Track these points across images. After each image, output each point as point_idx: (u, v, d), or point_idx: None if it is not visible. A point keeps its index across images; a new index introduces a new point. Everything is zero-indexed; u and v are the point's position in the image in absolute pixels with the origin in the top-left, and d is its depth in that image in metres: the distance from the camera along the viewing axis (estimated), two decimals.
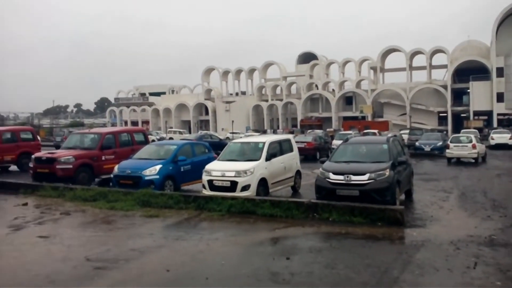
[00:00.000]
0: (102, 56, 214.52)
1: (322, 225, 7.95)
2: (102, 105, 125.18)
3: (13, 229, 7.99)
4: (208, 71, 73.17)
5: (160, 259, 6.07)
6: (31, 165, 13.33)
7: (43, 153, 13.96)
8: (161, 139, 35.20)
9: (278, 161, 11.15)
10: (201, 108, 73.47)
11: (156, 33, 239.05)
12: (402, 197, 10.10)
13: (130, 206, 9.66)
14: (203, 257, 6.17)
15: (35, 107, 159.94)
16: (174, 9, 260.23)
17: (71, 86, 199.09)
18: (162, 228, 8.03)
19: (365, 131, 36.55)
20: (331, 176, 9.01)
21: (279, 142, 11.74)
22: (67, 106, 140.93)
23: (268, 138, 11.57)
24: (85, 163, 13.07)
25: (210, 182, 10.24)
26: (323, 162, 10.19)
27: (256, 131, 54.65)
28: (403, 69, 60.36)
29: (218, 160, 11.20)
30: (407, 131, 36.81)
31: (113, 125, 71.52)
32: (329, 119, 61.07)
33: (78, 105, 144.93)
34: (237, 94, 73.43)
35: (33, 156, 13.58)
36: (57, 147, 25.58)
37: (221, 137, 38.13)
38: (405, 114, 57.39)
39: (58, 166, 12.55)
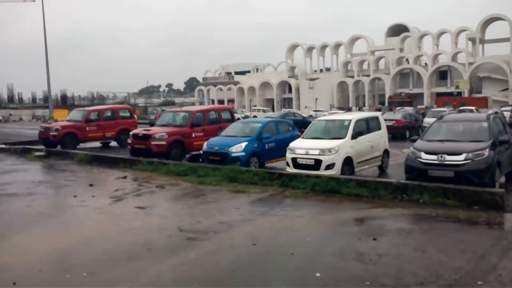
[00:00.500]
0: (191, 37, 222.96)
1: (412, 207, 7.60)
2: (191, 84, 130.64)
3: (114, 199, 8.76)
4: (292, 48, 72.58)
5: (247, 233, 6.27)
6: (129, 141, 14.41)
7: (139, 130, 15.01)
8: (246, 117, 35.96)
9: (365, 139, 10.81)
10: (285, 86, 73.44)
11: (242, 12, 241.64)
12: (503, 179, 9.27)
13: (218, 181, 10.04)
14: (288, 233, 6.26)
15: (132, 87, 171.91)
16: None
17: (163, 67, 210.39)
18: (248, 203, 8.27)
19: (461, 108, 33.86)
20: (423, 155, 8.53)
21: (366, 120, 11.35)
22: (159, 86, 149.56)
23: (354, 116, 11.25)
24: (177, 139, 13.81)
25: (294, 160, 10.26)
26: (414, 141, 9.69)
27: (340, 108, 53.40)
28: (506, 40, 54.56)
29: (302, 138, 11.16)
30: (510, 108, 33.45)
31: (201, 103, 74.46)
32: (420, 96, 57.59)
33: (169, 85, 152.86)
34: (321, 70, 72.09)
35: (131, 133, 14.66)
36: (151, 124, 27.31)
37: (305, 115, 37.91)
38: (507, 89, 52.09)
39: (153, 142, 13.42)
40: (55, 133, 17.46)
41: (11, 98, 76.66)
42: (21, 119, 57.16)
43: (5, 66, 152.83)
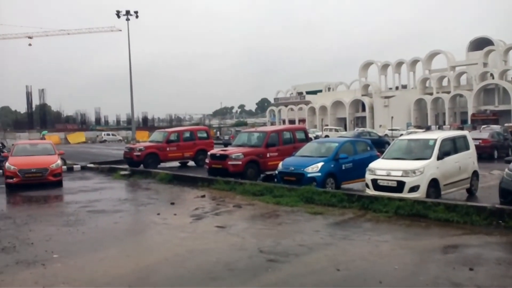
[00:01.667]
0: (264, 60, 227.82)
1: (510, 235, 6.91)
2: (263, 105, 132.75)
3: (195, 218, 8.95)
4: (366, 65, 71.17)
5: (329, 257, 6.05)
6: (207, 161, 14.82)
7: (217, 151, 15.38)
8: (317, 137, 35.56)
9: (452, 160, 10.12)
10: (358, 105, 71.91)
11: (314, 34, 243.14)
12: None
13: (294, 202, 9.92)
14: (373, 259, 5.94)
15: (206, 109, 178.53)
16: (334, 9, 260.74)
17: (236, 89, 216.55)
18: (327, 225, 8.03)
19: None
20: None
21: (453, 139, 10.65)
22: (232, 107, 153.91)
23: (440, 135, 10.59)
24: (252, 159, 13.94)
25: (374, 181, 9.86)
26: (509, 161, 8.90)
27: (418, 127, 51.02)
28: None
29: (383, 158, 10.71)
30: None
31: (272, 124, 75.14)
32: (507, 113, 53.30)
33: (241, 106, 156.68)
34: (397, 88, 69.74)
35: (208, 153, 15.07)
36: (225, 144, 27.99)
37: (380, 134, 36.66)
38: None
39: (229, 162, 13.67)
40: (139, 153, 18.47)
41: (98, 121, 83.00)
42: (106, 140, 61.42)
43: (94, 92, 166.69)
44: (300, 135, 15.89)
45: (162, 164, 19.21)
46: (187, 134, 20.39)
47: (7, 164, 13.85)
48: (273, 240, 7.01)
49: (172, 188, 13.27)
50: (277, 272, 5.51)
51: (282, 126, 25.63)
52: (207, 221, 8.65)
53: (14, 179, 13.42)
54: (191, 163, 20.25)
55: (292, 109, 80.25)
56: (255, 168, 14.04)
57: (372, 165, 10.21)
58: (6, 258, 6.30)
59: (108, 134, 60.60)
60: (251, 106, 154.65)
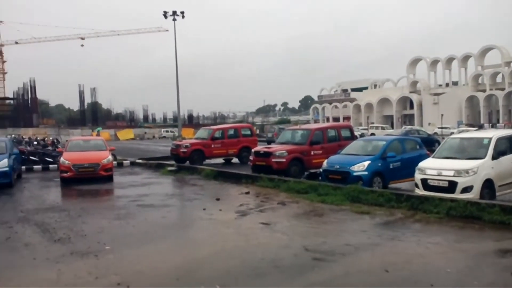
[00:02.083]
0: (309, 58, 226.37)
1: None
2: (306, 102, 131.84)
3: (240, 214, 9.02)
4: (414, 62, 68.95)
5: (377, 258, 5.90)
6: (251, 158, 14.90)
7: (261, 148, 15.43)
8: (362, 135, 34.85)
9: (508, 160, 9.59)
10: (405, 102, 69.79)
11: (361, 31, 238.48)
12: None
13: (340, 200, 9.77)
14: (423, 261, 5.73)
15: (250, 106, 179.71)
16: (381, 4, 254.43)
17: (280, 87, 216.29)
18: (374, 225, 7.84)
19: None
20: None
21: (509, 138, 10.08)
22: (275, 105, 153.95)
23: (495, 133, 10.07)
24: (297, 157, 13.88)
25: (424, 181, 9.53)
26: None
27: (470, 125, 48.82)
28: None
29: (433, 157, 10.32)
30: None
31: (316, 121, 74.45)
32: None
33: (284, 104, 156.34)
34: (447, 85, 67.07)
35: (252, 150, 15.16)
36: (269, 142, 27.99)
37: (429, 132, 35.38)
38: None
39: (273, 160, 13.68)
40: (185, 150, 18.87)
41: (146, 118, 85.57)
42: (153, 136, 63.30)
43: (142, 90, 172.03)
44: (345, 133, 15.65)
45: (207, 161, 19.51)
46: (232, 132, 20.60)
47: (61, 159, 14.56)
48: (318, 239, 6.93)
49: (217, 184, 13.46)
50: (324, 271, 5.44)
51: (327, 124, 25.39)
52: (252, 218, 8.70)
53: (68, 173, 14.09)
54: (235, 160, 20.43)
55: (336, 107, 79.11)
56: (299, 166, 13.96)
57: (422, 164, 9.87)
58: (62, 248, 6.62)
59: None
60: (294, 103, 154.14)
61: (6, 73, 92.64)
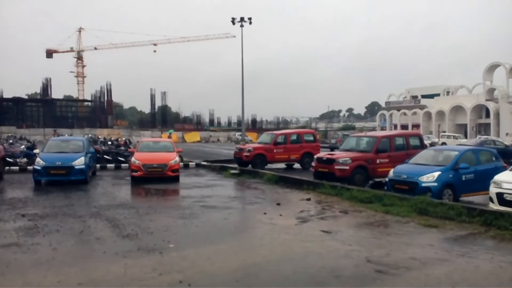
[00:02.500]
0: (377, 62, 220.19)
1: None
2: (372, 109, 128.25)
3: (300, 220, 8.96)
4: (492, 68, 64.53)
5: (445, 274, 5.58)
6: (313, 164, 14.77)
7: (323, 154, 15.25)
8: (433, 144, 33.20)
9: None
10: (481, 111, 65.47)
11: (434, 34, 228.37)
12: None
13: (406, 212, 9.38)
14: (496, 281, 5.33)
15: (313, 112, 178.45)
16: (456, 9, 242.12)
17: (345, 92, 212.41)
18: (442, 240, 7.42)
19: None
20: None
21: None
22: (339, 111, 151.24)
23: None
24: (361, 165, 13.54)
25: (499, 195, 8.91)
26: None
27: None
28: None
29: (511, 170, 9.60)
30: None
31: (382, 128, 72.14)
32: None
33: (349, 110, 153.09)
34: None
35: (315, 156, 15.01)
36: (332, 148, 27.58)
37: (507, 143, 32.91)
38: None
39: (336, 167, 13.45)
40: (248, 154, 19.13)
41: (211, 122, 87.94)
42: (218, 140, 64.88)
43: (209, 94, 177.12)
44: (414, 141, 15.03)
45: (269, 165, 19.62)
46: (294, 137, 20.57)
47: (132, 159, 15.36)
48: (381, 251, 6.69)
49: (278, 189, 13.47)
50: (386, 284, 5.24)
51: (394, 131, 24.52)
52: (313, 225, 8.60)
53: (138, 172, 14.82)
54: (296, 165, 20.36)
55: (405, 114, 76.07)
56: (363, 174, 13.61)
57: (498, 177, 9.23)
58: (129, 244, 6.97)
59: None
60: (360, 109, 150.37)
61: (85, 77, 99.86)
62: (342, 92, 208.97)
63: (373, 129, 73.86)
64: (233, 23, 47.14)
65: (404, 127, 71.83)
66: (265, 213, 9.54)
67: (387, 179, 11.84)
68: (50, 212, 9.57)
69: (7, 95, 78.95)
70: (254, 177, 16.13)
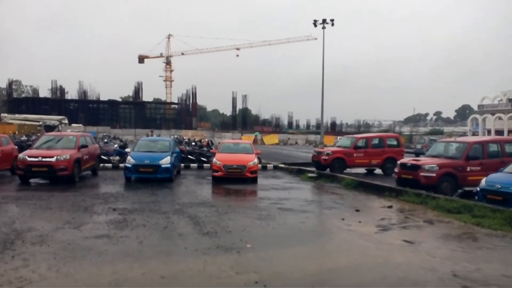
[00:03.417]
0: (468, 62, 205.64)
1: None
2: (463, 112, 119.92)
3: (380, 228, 8.62)
4: None
5: None
6: (396, 170, 14.14)
7: (408, 160, 14.54)
8: None
9: None
10: None
11: None
12: None
13: (499, 225, 8.62)
14: None
15: (397, 115, 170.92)
16: None
17: (433, 94, 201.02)
18: None
19: None
20: None
21: None
22: (426, 114, 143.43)
23: None
24: (449, 172, 12.70)
25: None
26: None
27: None
28: None
29: None
30: None
31: (474, 134, 67.00)
32: None
33: (437, 113, 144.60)
34: None
35: (398, 162, 14.36)
36: (417, 154, 26.22)
37: None
38: None
39: (421, 174, 12.75)
40: (326, 157, 18.86)
41: (290, 124, 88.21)
42: (296, 142, 64.83)
43: (288, 97, 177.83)
44: (510, 148, 13.75)
45: (348, 170, 19.16)
46: (376, 141, 19.89)
47: (214, 160, 15.90)
48: (470, 265, 6.20)
49: (357, 195, 13.10)
50: None
51: (487, 137, 22.68)
52: (394, 234, 8.23)
53: (219, 172, 15.30)
54: (378, 170, 19.68)
55: (500, 118, 69.98)
56: (452, 182, 12.74)
57: None
58: (209, 242, 7.20)
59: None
60: (449, 113, 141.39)
61: (173, 81, 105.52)
62: (429, 95, 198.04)
63: (464, 134, 68.96)
64: (315, 25, 46.90)
65: (499, 132, 66.03)
66: (343, 219, 9.33)
67: (478, 189, 10.95)
68: (138, 207, 10.24)
69: (103, 98, 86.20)
70: (332, 182, 15.86)
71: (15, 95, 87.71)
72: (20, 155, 14.19)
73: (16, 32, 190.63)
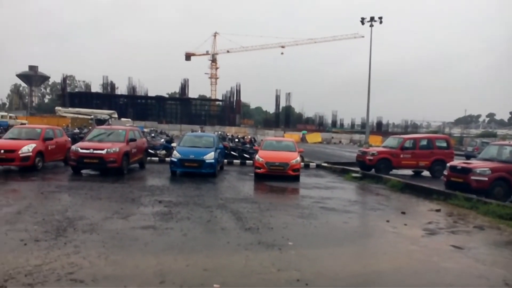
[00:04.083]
0: None
1: None
2: None
3: (427, 232, 8.33)
4: None
5: None
6: (445, 173, 13.61)
7: (458, 162, 13.96)
8: None
9: None
10: None
11: None
12: None
13: None
14: None
15: (447, 116, 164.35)
16: None
17: (486, 94, 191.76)
18: None
19: None
20: None
21: None
22: (478, 116, 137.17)
23: None
24: (502, 177, 12.07)
25: None
26: None
27: None
28: None
29: None
30: None
31: None
32: None
33: (490, 115, 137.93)
34: None
35: (448, 165, 13.81)
36: (468, 157, 25.14)
37: None
38: None
39: (472, 177, 12.20)
40: (371, 158, 18.45)
41: (334, 123, 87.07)
42: (340, 142, 63.90)
43: (332, 95, 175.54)
44: None
45: (394, 171, 18.67)
46: (424, 142, 19.23)
47: (257, 156, 15.97)
48: None
49: (403, 197, 12.74)
50: None
51: None
52: (441, 238, 7.93)
53: (261, 169, 15.36)
54: (425, 173, 19.03)
55: None
56: (505, 187, 12.11)
57: None
58: (251, 237, 7.25)
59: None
60: (504, 115, 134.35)
61: (218, 78, 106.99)
62: (482, 95, 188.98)
63: None
64: (362, 23, 45.96)
65: None
66: (388, 221, 9.10)
67: None
68: (182, 200, 10.47)
69: (151, 93, 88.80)
70: (377, 182, 15.51)
71: (68, 89, 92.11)
72: (73, 147, 14.88)
73: (71, 30, 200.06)
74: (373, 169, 18.25)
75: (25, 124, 35.85)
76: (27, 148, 14.50)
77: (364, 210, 10.83)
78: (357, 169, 18.65)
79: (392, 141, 20.23)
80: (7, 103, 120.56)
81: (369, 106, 46.66)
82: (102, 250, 6.13)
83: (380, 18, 45.28)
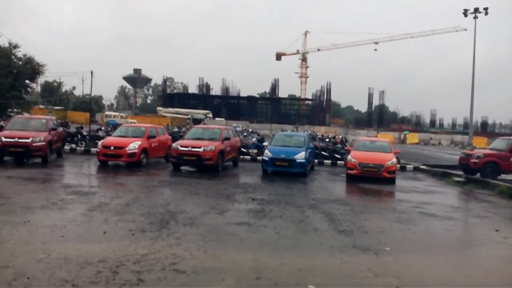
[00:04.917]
0: None
1: None
2: None
3: None
4: None
5: None
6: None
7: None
8: None
9: None
10: None
11: None
12: None
13: None
14: None
15: None
16: None
17: None
18: None
19: None
20: None
21: None
22: None
23: None
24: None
25: None
26: None
27: None
28: None
29: None
30: None
31: None
32: None
33: None
34: None
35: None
36: None
37: None
38: None
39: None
40: (476, 161, 17.00)
41: (432, 123, 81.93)
42: (439, 143, 59.87)
43: (430, 93, 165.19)
44: None
45: (503, 176, 16.99)
46: None
47: (349, 157, 15.60)
48: None
49: None
50: None
51: None
52: None
53: (354, 171, 14.97)
54: None
55: None
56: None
57: None
58: (345, 240, 7.09)
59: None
60: None
61: (308, 77, 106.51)
62: None
63: None
64: (465, 15, 42.66)
65: None
66: (497, 230, 8.31)
67: None
68: (274, 199, 10.60)
69: (242, 94, 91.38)
70: (483, 188, 14.26)
71: (168, 90, 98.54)
72: (173, 145, 15.87)
73: (171, 34, 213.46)
74: (478, 173, 16.80)
75: (134, 123, 39.12)
76: (134, 145, 15.76)
77: (469, 218, 10.03)
78: (460, 173, 17.31)
79: (500, 142, 18.42)
80: (115, 104, 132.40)
81: (472, 104, 43.16)
82: (201, 243, 6.44)
83: (486, 9, 41.61)
